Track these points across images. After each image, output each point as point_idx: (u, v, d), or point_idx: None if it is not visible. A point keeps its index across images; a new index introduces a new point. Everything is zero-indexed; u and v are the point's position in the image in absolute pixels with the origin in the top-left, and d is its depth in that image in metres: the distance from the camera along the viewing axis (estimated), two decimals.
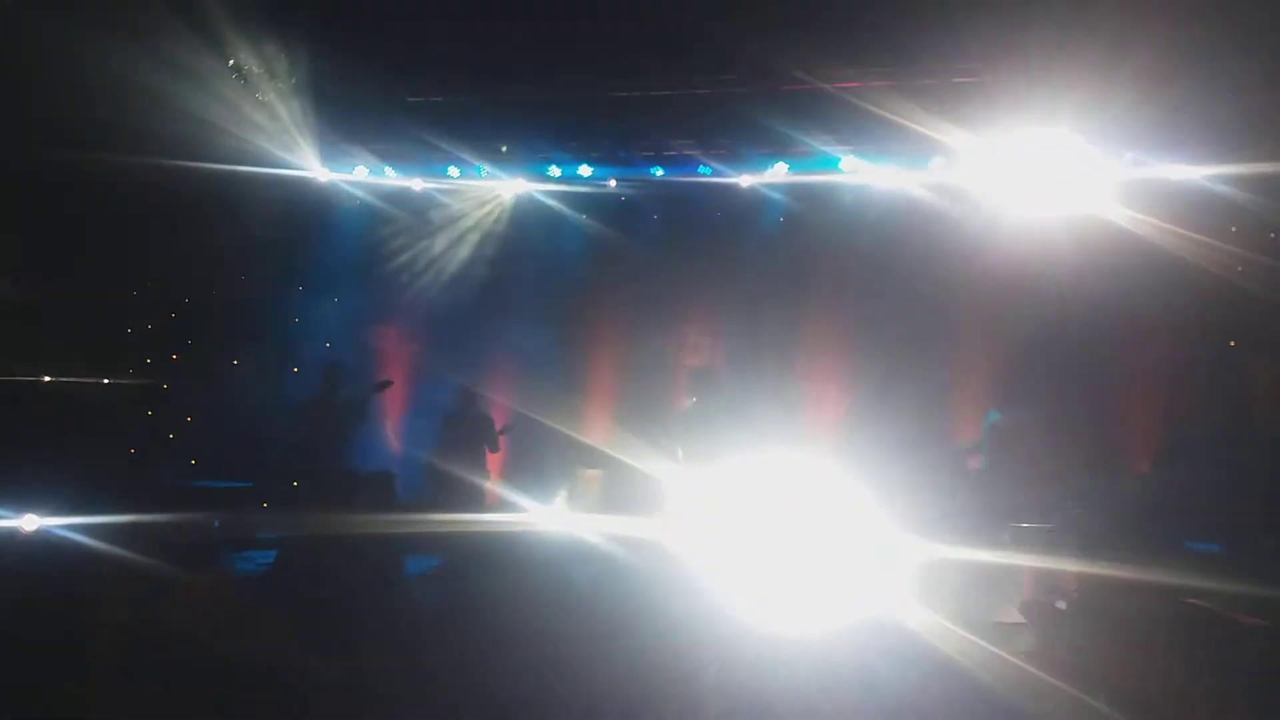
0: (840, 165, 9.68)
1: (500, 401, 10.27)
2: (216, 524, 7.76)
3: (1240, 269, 8.88)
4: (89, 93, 8.04)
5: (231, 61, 8.82)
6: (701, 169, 10.21)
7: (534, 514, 8.06)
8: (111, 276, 10.45)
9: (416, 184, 11.24)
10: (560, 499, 9.22)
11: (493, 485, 9.50)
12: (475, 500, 8.88)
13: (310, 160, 10.39)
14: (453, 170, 10.84)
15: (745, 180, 10.26)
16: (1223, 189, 8.55)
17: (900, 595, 5.47)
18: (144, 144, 9.05)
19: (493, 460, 9.53)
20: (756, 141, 9.81)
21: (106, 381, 9.93)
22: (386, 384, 9.65)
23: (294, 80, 9.17)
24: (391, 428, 11.62)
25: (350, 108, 9.84)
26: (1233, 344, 9.26)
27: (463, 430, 9.21)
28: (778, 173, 10.02)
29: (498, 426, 9.45)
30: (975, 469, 8.62)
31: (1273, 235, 8.87)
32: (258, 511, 9.78)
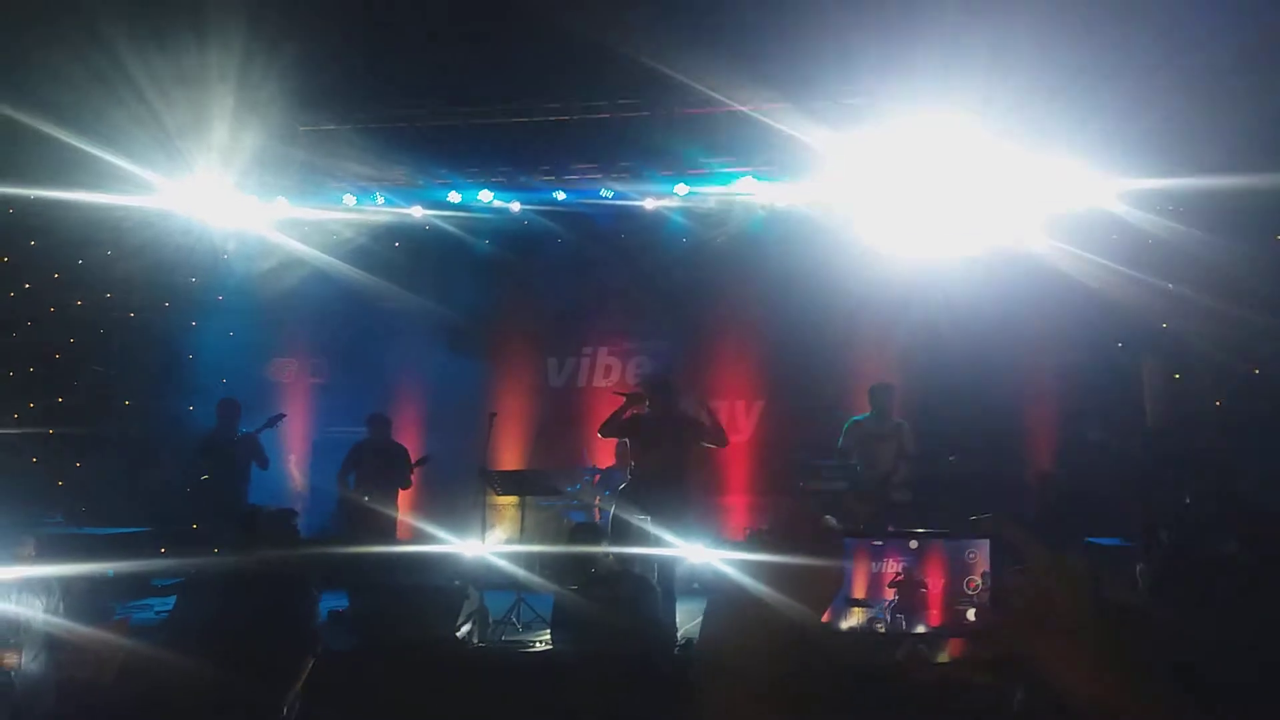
0: (735, 184, 9.84)
1: (408, 433, 10.11)
2: (110, 574, 7.40)
3: (1117, 277, 9.30)
4: None
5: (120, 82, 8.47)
6: (604, 192, 10.25)
7: (449, 544, 7.91)
8: None
9: (310, 213, 10.98)
10: (475, 528, 9.08)
11: (403, 516, 9.31)
12: (387, 532, 8.69)
13: (201, 190, 10.06)
14: (348, 198, 10.64)
15: (649, 203, 10.34)
16: (1105, 203, 8.91)
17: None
18: (20, 173, 8.69)
19: (403, 493, 9.33)
20: (657, 163, 9.92)
21: None
22: (280, 417, 9.39)
23: (185, 107, 8.87)
24: (294, 462, 11.31)
25: (241, 136, 9.57)
26: (1119, 345, 9.69)
27: (376, 459, 8.98)
28: (679, 193, 10.13)
29: (411, 458, 9.22)
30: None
31: (1149, 242, 9.31)
32: (155, 557, 9.38)
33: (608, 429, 7.50)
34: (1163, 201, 8.86)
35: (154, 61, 8.13)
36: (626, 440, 7.60)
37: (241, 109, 8.98)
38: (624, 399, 7.36)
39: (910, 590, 1.00)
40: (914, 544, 1.00)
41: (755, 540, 0.99)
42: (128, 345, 11.04)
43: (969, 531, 1.00)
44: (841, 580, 0.97)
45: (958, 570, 0.99)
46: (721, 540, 9.51)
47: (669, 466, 7.12)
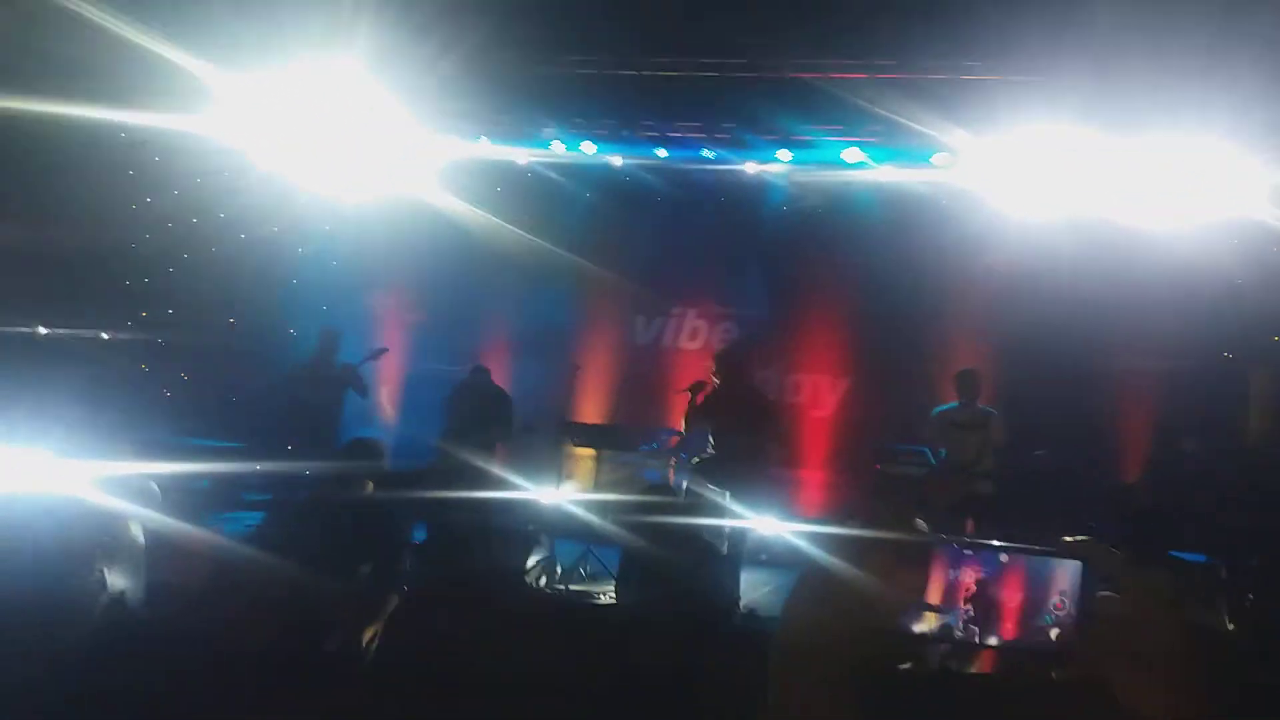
0: (842, 157, 9.65)
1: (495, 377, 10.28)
2: (205, 483, 7.77)
3: (1239, 279, 8.88)
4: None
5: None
6: (705, 153, 10.17)
7: (525, 490, 8.09)
8: (110, 227, 10.40)
9: (420, 149, 11.10)
10: (552, 477, 9.25)
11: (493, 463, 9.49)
12: (475, 476, 8.89)
13: (309, 123, 10.28)
14: (454, 138, 10.74)
15: (750, 167, 10.24)
16: (1239, 202, 8.38)
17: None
18: (141, 98, 9.00)
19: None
20: (760, 129, 9.78)
21: (103, 335, 9.92)
22: (382, 351, 9.63)
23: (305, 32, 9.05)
24: (387, 396, 11.65)
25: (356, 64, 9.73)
26: (1228, 355, 9.29)
27: (475, 402, 9.10)
28: (781, 160, 9.99)
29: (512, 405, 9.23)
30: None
31: (1276, 249, 8.85)
32: (248, 472, 9.82)
33: (687, 424, 7.57)
34: None
35: None
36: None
37: (353, 36, 9.12)
38: (688, 393, 7.41)
39: (987, 602, 1.01)
40: (1004, 558, 1.02)
41: (847, 528, 1.01)
42: (238, 266, 11.44)
43: (1060, 551, 1.00)
44: (924, 586, 1.00)
45: (1038, 587, 1.01)
46: (801, 517, 9.52)
47: (747, 447, 7.16)
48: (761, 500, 7.16)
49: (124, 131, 10.13)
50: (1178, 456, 8.59)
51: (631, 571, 6.36)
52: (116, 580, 5.28)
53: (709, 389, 7.40)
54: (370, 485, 6.92)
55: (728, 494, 6.99)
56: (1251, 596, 4.32)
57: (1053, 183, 8.97)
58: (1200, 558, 6.43)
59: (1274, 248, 8.55)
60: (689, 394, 7.42)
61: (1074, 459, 8.74)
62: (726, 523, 6.94)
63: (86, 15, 7.69)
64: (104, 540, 5.33)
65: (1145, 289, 9.00)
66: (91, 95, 8.45)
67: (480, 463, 8.65)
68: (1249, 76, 7.36)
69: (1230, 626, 3.80)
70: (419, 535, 7.28)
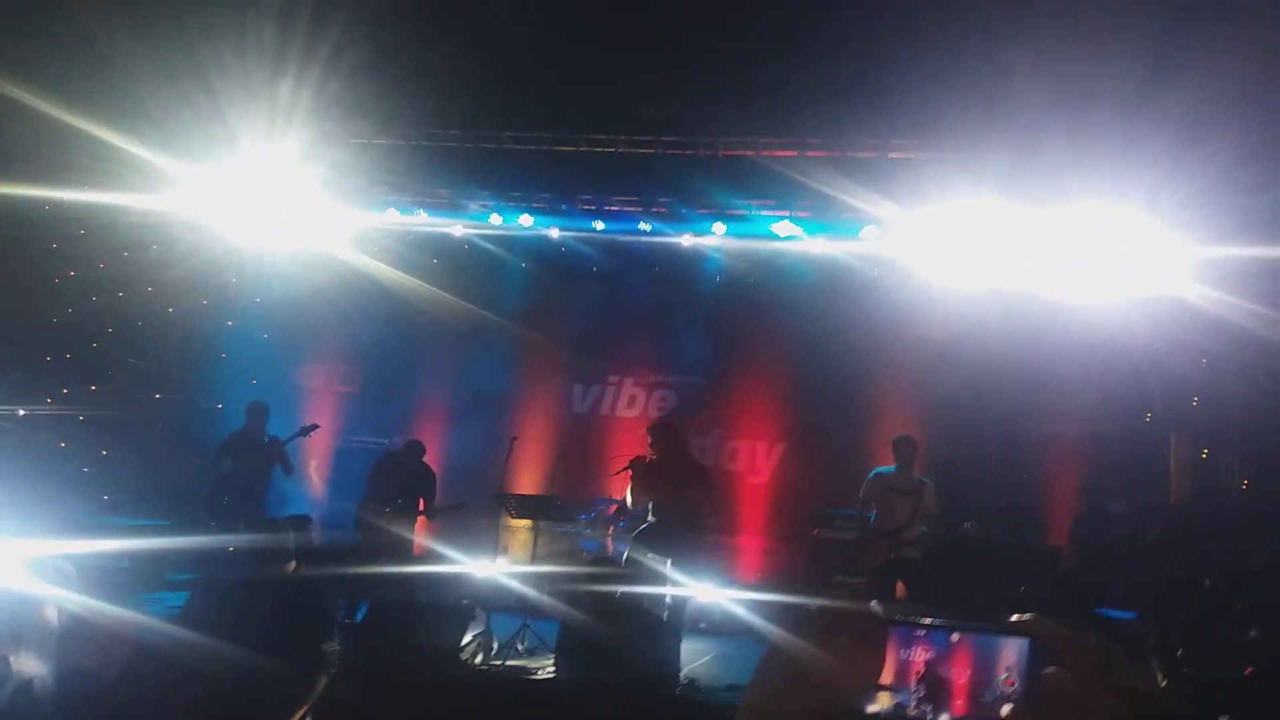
0: (774, 230, 9.89)
1: (429, 448, 10.15)
2: (125, 563, 7.49)
3: (1160, 343, 9.21)
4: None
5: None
6: (641, 225, 10.34)
7: (461, 563, 7.95)
8: (32, 303, 10.14)
9: (350, 222, 11.10)
10: (488, 549, 9.10)
11: (416, 532, 9.31)
12: (401, 548, 8.70)
13: (244, 196, 10.23)
14: (391, 212, 10.78)
15: (685, 239, 10.43)
16: (1151, 273, 8.75)
17: None
18: (69, 175, 8.88)
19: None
20: (695, 203, 10.01)
21: (20, 411, 9.59)
22: (312, 428, 9.43)
23: (241, 112, 9.05)
24: (315, 468, 11.40)
25: (289, 143, 9.74)
26: (1149, 418, 9.59)
27: (402, 476, 8.90)
28: (715, 233, 10.20)
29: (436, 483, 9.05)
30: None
31: (1186, 315, 9.20)
32: (172, 550, 9.47)
33: (634, 501, 7.58)
34: (1206, 271, 8.77)
35: (218, 64, 8.31)
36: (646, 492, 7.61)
37: (294, 115, 9.16)
38: (628, 472, 7.46)
39: (937, 681, 1.02)
40: (954, 637, 1.03)
41: (805, 616, 1.02)
42: (164, 340, 11.21)
43: (1007, 628, 1.02)
44: (880, 667, 1.00)
45: (988, 665, 1.02)
46: (740, 584, 9.51)
47: (685, 516, 7.19)
48: (701, 568, 7.16)
49: (47, 204, 9.96)
50: (1105, 518, 8.78)
51: (571, 644, 6.27)
52: (25, 666, 5.02)
53: (647, 461, 7.42)
54: (295, 563, 6.73)
55: (668, 562, 6.96)
56: (1180, 652, 4.40)
57: (978, 254, 9.27)
58: (1129, 615, 6.55)
59: (1187, 314, 8.91)
60: (630, 470, 7.44)
61: (1001, 525, 8.87)
62: (667, 590, 6.90)
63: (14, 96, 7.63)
64: (12, 624, 5.07)
65: (1068, 356, 9.30)
66: (14, 172, 8.31)
67: (401, 534, 8.48)
68: (1166, 152, 7.76)
69: (1163, 683, 3.86)
70: (353, 612, 7.11)
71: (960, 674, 1.01)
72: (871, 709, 1.01)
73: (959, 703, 1.01)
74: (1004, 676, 1.00)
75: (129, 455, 10.49)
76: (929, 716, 1.02)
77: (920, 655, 1.02)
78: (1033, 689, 0.98)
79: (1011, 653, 1.01)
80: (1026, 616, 1.02)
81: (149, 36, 7.88)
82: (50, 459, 9.85)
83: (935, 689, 1.01)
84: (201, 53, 8.13)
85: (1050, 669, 0.97)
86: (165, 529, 9.18)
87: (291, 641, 5.23)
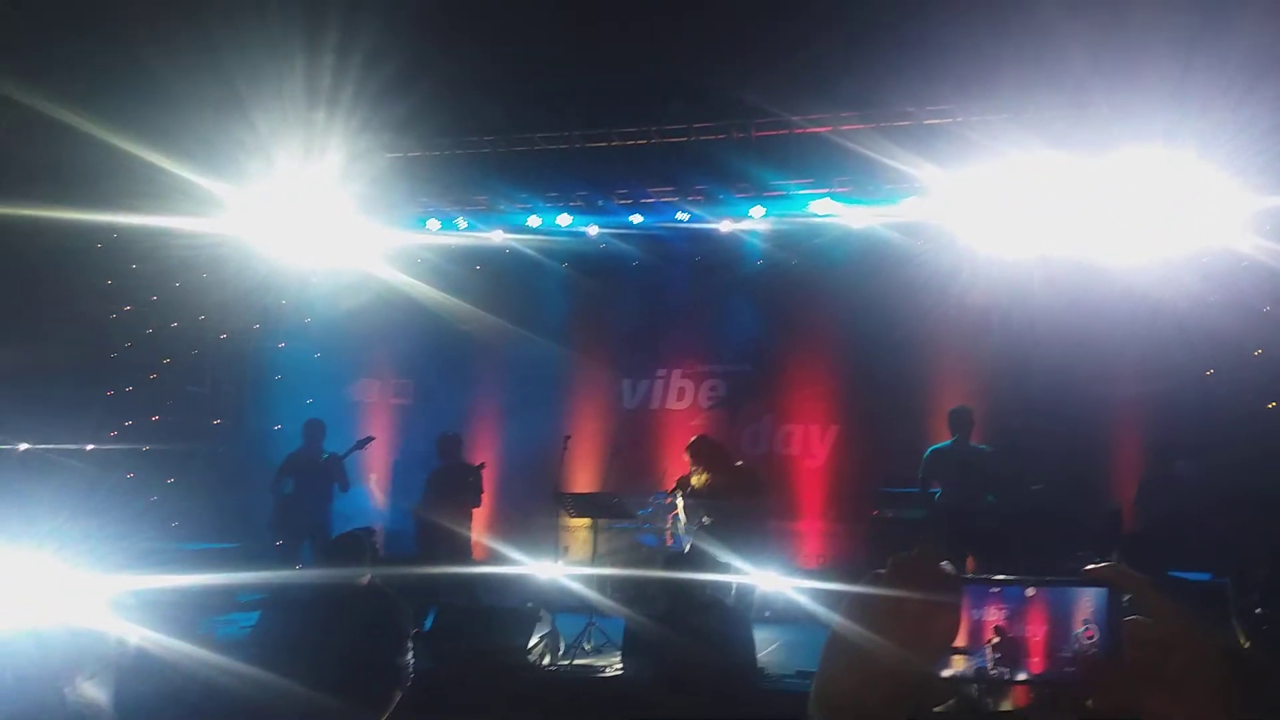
0: (811, 207, 9.77)
1: (486, 453, 10.24)
2: (195, 586, 7.63)
3: (1216, 296, 8.98)
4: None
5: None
6: (679, 215, 10.29)
7: (523, 565, 8.00)
8: (89, 338, 10.40)
9: (394, 237, 11.28)
10: (549, 550, 9.15)
11: (478, 537, 9.40)
12: (462, 553, 8.79)
13: (290, 214, 10.40)
14: (432, 223, 10.88)
15: (725, 225, 10.36)
16: (1200, 225, 8.54)
17: None
18: (120, 202, 9.09)
19: (478, 513, 9.41)
20: (732, 187, 9.92)
21: (88, 447, 9.84)
22: (368, 440, 9.55)
23: (275, 131, 9.19)
24: (375, 481, 11.55)
25: (329, 161, 9.88)
26: (1209, 373, 9.31)
27: (445, 483, 9.06)
28: (754, 216, 10.11)
29: (482, 477, 9.23)
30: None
31: (1243, 264, 8.95)
32: (240, 573, 9.66)
33: (686, 519, 7.67)
34: (1260, 221, 8.50)
35: (254, 88, 8.44)
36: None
37: (330, 135, 9.29)
38: (672, 499, 7.57)
39: (1013, 639, 0.98)
40: (1028, 592, 0.99)
41: (874, 582, 0.99)
42: (220, 366, 11.43)
43: (1082, 579, 0.98)
44: (956, 628, 0.97)
45: (1064, 618, 0.98)
46: (804, 571, 9.46)
47: (741, 525, 7.22)
48: (762, 559, 7.14)
49: (100, 243, 10.21)
50: (1172, 478, 8.54)
51: (638, 642, 6.26)
52: (83, 696, 5.13)
53: (691, 480, 7.52)
54: (366, 577, 6.80)
55: (731, 553, 6.95)
56: (1260, 610, 4.26)
57: (1024, 215, 9.09)
58: (1205, 576, 6.37)
59: (1243, 264, 8.65)
60: (677, 490, 7.53)
61: (1068, 490, 8.69)
62: (733, 578, 6.88)
63: (66, 121, 7.82)
64: (70, 655, 5.18)
65: (1121, 316, 9.08)
66: (67, 199, 8.52)
67: (457, 535, 8.60)
68: (1220, 97, 7.52)
69: (1245, 643, 3.73)
70: (421, 620, 7.17)
71: (1036, 630, 0.97)
72: (947, 673, 0.97)
73: (1036, 660, 0.97)
74: (1082, 629, 0.95)
75: (194, 482, 10.72)
76: (1007, 675, 0.98)
77: (994, 614, 0.98)
78: (1114, 639, 0.93)
79: (1088, 604, 0.96)
80: (1102, 565, 0.98)
81: (187, 61, 8.04)
82: (118, 492, 10.10)
83: (1011, 647, 0.97)
84: (237, 77, 8.27)
85: (1132, 617, 0.93)
86: (233, 551, 9.36)
87: (367, 658, 5.27)
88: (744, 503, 7.40)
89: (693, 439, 8.04)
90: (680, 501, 7.59)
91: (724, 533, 7.21)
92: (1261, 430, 8.53)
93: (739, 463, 8.26)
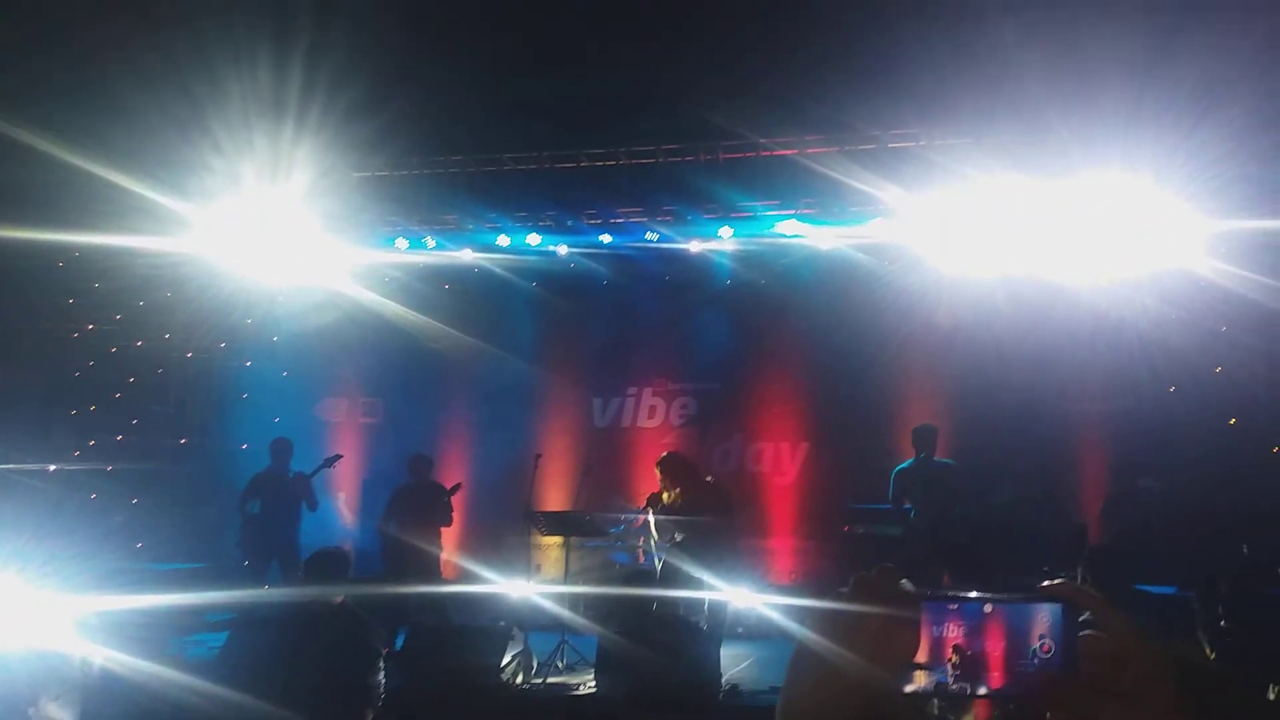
0: (778, 228, 9.89)
1: (456, 472, 10.21)
2: (163, 606, 7.54)
3: (1175, 316, 9.20)
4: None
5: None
6: (648, 235, 10.37)
7: (495, 584, 7.99)
8: (55, 359, 10.27)
9: (362, 256, 11.26)
10: (521, 568, 9.15)
11: (449, 555, 9.38)
12: (432, 572, 8.76)
13: (256, 234, 10.35)
14: (400, 242, 10.87)
15: (694, 245, 10.46)
16: (1158, 246, 8.75)
17: None
18: (82, 221, 9.01)
19: (449, 532, 9.39)
20: (700, 208, 10.02)
21: (51, 467, 9.70)
22: (336, 458, 9.50)
23: (240, 150, 9.16)
24: (344, 500, 11.47)
25: (295, 181, 9.86)
26: (1172, 389, 9.52)
27: (413, 500, 9.03)
28: (723, 237, 10.21)
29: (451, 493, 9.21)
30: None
31: (1200, 285, 9.19)
32: (208, 593, 9.54)
33: (658, 535, 7.72)
34: (1215, 244, 8.74)
35: (219, 107, 8.42)
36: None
37: (297, 155, 9.28)
38: (648, 509, 7.60)
39: (973, 654, 1.03)
40: (986, 609, 1.03)
41: (837, 599, 1.03)
42: (185, 384, 11.32)
43: (1038, 595, 1.03)
44: (916, 644, 1.01)
45: (1022, 633, 1.02)
46: (776, 587, 9.52)
47: (708, 534, 7.27)
48: (735, 571, 7.18)
49: (61, 261, 10.11)
50: (1136, 494, 8.72)
51: (610, 658, 6.28)
52: (52, 715, 5.06)
53: (662, 497, 7.57)
54: (338, 597, 6.75)
55: (703, 570, 6.99)
56: (1224, 623, 4.36)
57: (987, 236, 9.27)
58: (1170, 590, 6.51)
59: (1199, 285, 8.88)
60: (648, 508, 7.58)
61: (1034, 505, 8.83)
62: (704, 595, 6.92)
63: (25, 141, 7.75)
64: (35, 677, 5.11)
65: (1083, 335, 9.27)
66: (26, 219, 8.44)
67: (426, 554, 8.58)
68: (1175, 123, 7.74)
69: (1210, 655, 3.83)
70: (391, 640, 7.13)
71: (995, 645, 1.02)
72: (909, 688, 1.02)
73: (996, 674, 1.02)
74: (1039, 644, 1.00)
75: (160, 502, 10.60)
76: (968, 690, 1.02)
77: (953, 630, 1.02)
78: (1070, 653, 0.98)
79: (1045, 619, 1.01)
80: (1058, 581, 1.03)
81: (151, 81, 8.00)
82: (83, 512, 9.96)
83: (971, 662, 1.02)
84: (202, 96, 8.25)
85: (1086, 632, 0.97)
86: (200, 571, 9.25)
87: (339, 677, 5.26)
88: (715, 519, 7.44)
89: (663, 455, 8.10)
90: (652, 518, 7.63)
91: (696, 549, 7.25)
92: (1223, 446, 8.74)
93: (709, 479, 8.34)
